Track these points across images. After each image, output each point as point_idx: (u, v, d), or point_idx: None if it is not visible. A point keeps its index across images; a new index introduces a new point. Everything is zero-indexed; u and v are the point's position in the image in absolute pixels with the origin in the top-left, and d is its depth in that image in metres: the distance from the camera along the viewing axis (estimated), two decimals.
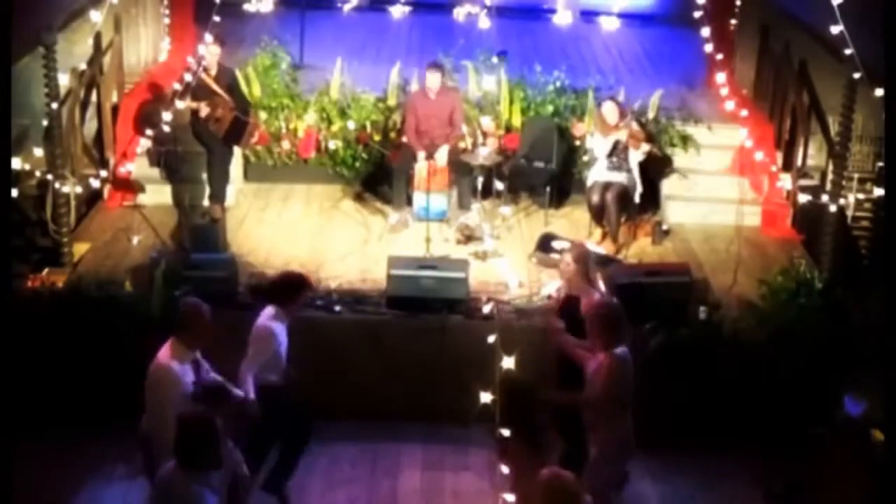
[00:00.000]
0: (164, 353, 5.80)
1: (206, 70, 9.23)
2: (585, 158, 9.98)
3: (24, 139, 8.90)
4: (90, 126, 10.02)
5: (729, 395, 7.62)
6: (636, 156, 9.24)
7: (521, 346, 6.22)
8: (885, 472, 6.02)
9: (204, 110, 9.25)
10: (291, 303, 6.50)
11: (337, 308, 7.99)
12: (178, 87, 9.04)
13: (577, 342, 6.21)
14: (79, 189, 9.01)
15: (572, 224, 9.80)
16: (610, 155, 9.21)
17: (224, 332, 7.02)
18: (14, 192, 7.95)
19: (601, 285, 6.77)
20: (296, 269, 6.82)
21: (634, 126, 9.25)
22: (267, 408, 6.29)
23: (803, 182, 9.86)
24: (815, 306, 7.86)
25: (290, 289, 6.55)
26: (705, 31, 9.18)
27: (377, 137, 10.19)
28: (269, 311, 6.46)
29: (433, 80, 9.46)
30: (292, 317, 6.54)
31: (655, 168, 9.90)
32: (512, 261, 8.86)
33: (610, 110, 9.22)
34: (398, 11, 10.49)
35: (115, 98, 10.24)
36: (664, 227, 9.64)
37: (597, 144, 9.34)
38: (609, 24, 10.59)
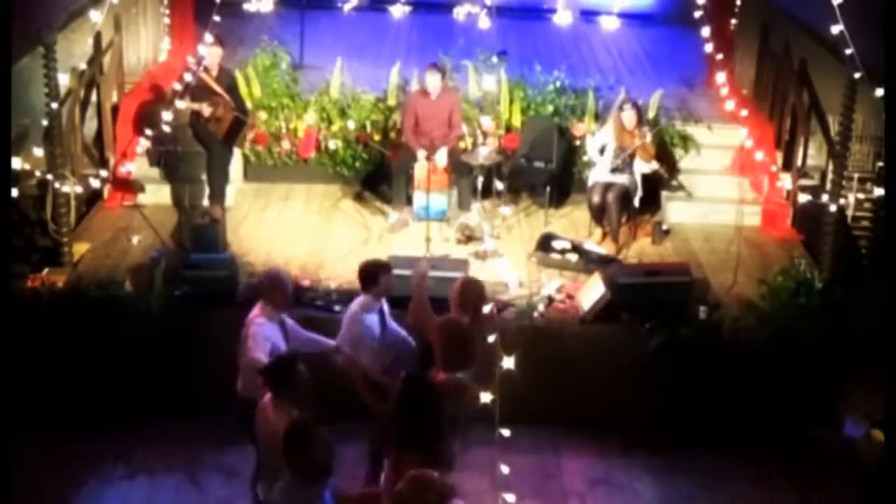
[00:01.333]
0: (255, 313, 6.38)
1: (206, 70, 9.24)
2: (585, 158, 9.98)
3: (24, 139, 8.90)
4: (90, 126, 10.01)
5: (729, 395, 7.63)
6: (641, 166, 9.24)
7: (520, 346, 6.21)
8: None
9: (206, 111, 9.26)
10: (374, 287, 6.69)
11: (337, 308, 7.98)
12: (178, 87, 9.04)
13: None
14: (79, 189, 9.00)
15: (572, 224, 9.80)
16: (616, 158, 9.20)
17: (224, 332, 7.06)
18: (14, 192, 7.94)
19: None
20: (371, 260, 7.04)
21: (648, 138, 9.24)
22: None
23: (803, 182, 9.86)
24: (815, 306, 7.86)
25: (368, 276, 6.74)
26: (705, 31, 9.16)
27: (377, 137, 10.19)
28: (359, 299, 6.75)
29: (433, 81, 9.45)
30: (380, 302, 6.76)
31: (659, 182, 9.88)
32: (512, 261, 8.86)
33: (630, 116, 9.21)
34: (398, 11, 10.46)
35: (115, 98, 10.24)
36: (664, 227, 9.64)
37: (592, 142, 9.34)
38: (609, 24, 10.56)
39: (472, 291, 6.37)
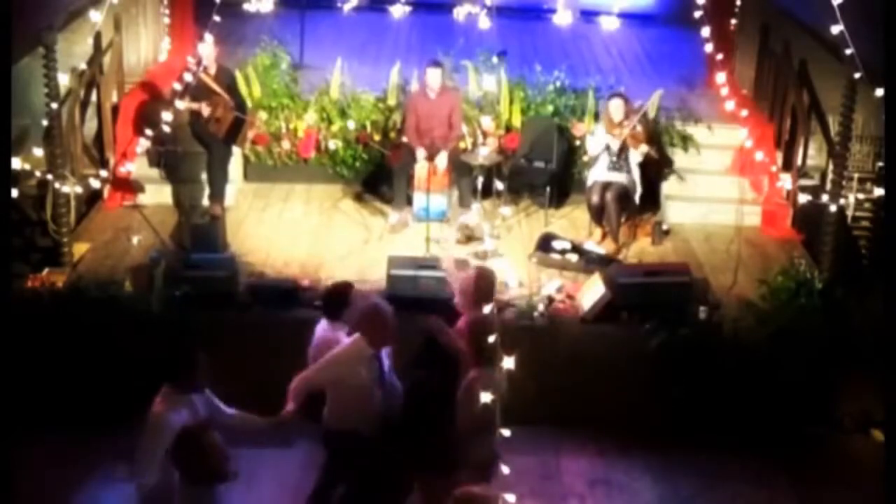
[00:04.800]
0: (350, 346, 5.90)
1: (205, 70, 9.24)
2: (585, 158, 9.97)
3: (24, 139, 8.91)
4: (90, 126, 10.02)
5: (729, 395, 7.63)
6: (635, 156, 9.24)
7: (520, 346, 6.21)
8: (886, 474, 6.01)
9: (205, 110, 9.26)
10: (340, 311, 6.39)
11: None
12: (178, 87, 9.04)
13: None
14: (79, 189, 8.99)
15: (572, 224, 9.80)
16: (612, 156, 9.20)
17: (223, 333, 7.06)
18: (14, 192, 7.94)
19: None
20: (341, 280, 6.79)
21: (637, 126, 9.24)
22: None
23: (803, 182, 9.86)
24: (815, 306, 7.87)
25: (336, 299, 6.48)
26: (705, 31, 9.16)
27: (377, 137, 10.19)
28: (322, 323, 6.43)
29: (434, 77, 9.46)
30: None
31: (654, 169, 9.90)
32: (512, 261, 8.85)
33: (616, 107, 9.20)
34: (398, 11, 10.49)
35: (115, 98, 10.24)
36: (664, 227, 9.64)
37: (594, 141, 9.34)
38: (609, 24, 10.58)
39: (488, 282, 6.49)
